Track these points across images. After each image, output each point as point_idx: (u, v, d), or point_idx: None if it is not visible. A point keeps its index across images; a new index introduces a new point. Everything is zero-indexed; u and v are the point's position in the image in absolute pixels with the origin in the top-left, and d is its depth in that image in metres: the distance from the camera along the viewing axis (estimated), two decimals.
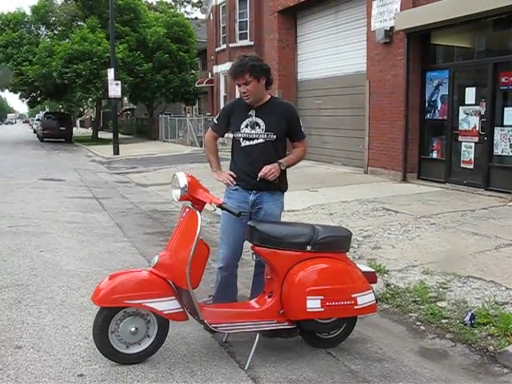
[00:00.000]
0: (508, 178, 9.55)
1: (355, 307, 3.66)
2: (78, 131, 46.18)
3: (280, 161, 3.99)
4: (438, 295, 4.96)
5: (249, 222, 3.79)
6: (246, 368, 3.52)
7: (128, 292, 3.34)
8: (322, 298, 3.54)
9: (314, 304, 3.53)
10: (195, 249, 3.39)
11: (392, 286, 5.24)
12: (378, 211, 8.71)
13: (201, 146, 23.94)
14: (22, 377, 3.34)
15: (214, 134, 4.27)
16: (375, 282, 4.05)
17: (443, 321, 4.42)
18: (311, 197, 10.09)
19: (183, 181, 3.45)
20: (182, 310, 3.50)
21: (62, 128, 34.47)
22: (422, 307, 4.76)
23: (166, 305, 3.42)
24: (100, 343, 3.42)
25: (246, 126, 4.01)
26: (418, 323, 4.48)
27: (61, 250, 6.48)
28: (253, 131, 3.99)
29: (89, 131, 44.09)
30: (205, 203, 3.53)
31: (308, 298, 3.52)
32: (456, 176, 10.82)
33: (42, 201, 10.19)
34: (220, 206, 3.48)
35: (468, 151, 10.45)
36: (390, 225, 7.72)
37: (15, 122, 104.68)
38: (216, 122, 4.23)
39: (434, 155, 11.58)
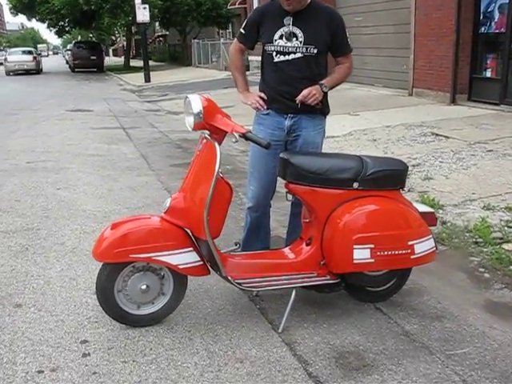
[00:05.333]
0: None
1: (412, 257, 3.00)
2: (110, 60, 45.45)
3: (322, 81, 3.26)
4: (503, 236, 4.26)
5: (281, 155, 3.10)
6: (279, 330, 2.94)
7: (135, 244, 2.74)
8: (372, 246, 2.88)
9: (362, 254, 2.88)
10: (214, 189, 2.74)
11: (448, 224, 4.56)
12: (426, 136, 7.91)
13: None
14: (17, 343, 2.83)
15: (240, 46, 3.51)
16: (435, 225, 3.37)
17: None
18: (352, 121, 9.29)
19: (197, 105, 2.75)
20: (201, 262, 2.90)
21: (92, 57, 33.74)
22: (485, 250, 4.08)
23: (182, 258, 2.82)
24: (105, 304, 2.87)
25: (281, 37, 3.25)
26: (482, 270, 3.81)
27: (79, 186, 5.96)
28: (289, 44, 3.23)
29: (121, 60, 43.19)
30: (225, 132, 2.84)
31: (355, 246, 2.87)
32: None
33: (66, 133, 9.68)
34: (244, 136, 2.77)
35: None
36: (441, 152, 6.95)
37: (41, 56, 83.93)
38: (243, 31, 3.47)
39: (488, 74, 10.46)
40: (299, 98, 3.21)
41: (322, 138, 3.49)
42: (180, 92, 17.59)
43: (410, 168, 6.08)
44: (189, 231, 2.90)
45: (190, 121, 2.81)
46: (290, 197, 3.11)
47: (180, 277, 2.92)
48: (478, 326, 3.05)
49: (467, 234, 4.37)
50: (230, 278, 2.83)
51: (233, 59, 3.57)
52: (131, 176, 6.50)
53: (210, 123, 2.77)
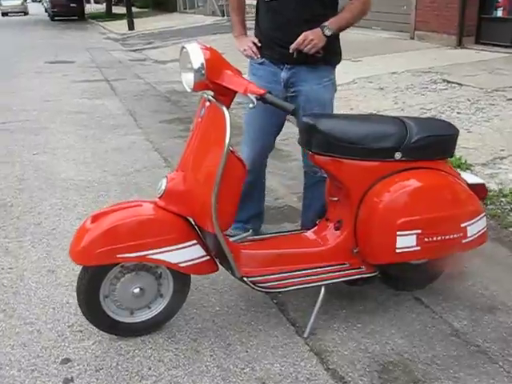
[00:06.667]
0: None
1: (464, 241, 2.44)
2: (91, 7, 43.49)
3: (325, 23, 2.59)
4: None
5: (304, 119, 2.46)
6: (305, 335, 2.41)
7: (122, 241, 2.14)
8: (418, 232, 2.32)
9: (406, 242, 2.32)
10: (224, 166, 2.14)
11: None
12: (437, 84, 7.26)
13: (223, 16, 22.10)
14: None
15: None
16: (485, 198, 2.82)
17: None
18: (355, 68, 8.58)
19: (198, 58, 2.08)
20: (208, 257, 2.32)
21: (72, 4, 32.16)
22: None
23: (184, 253, 2.24)
24: (89, 313, 2.30)
25: None
26: None
27: (59, 150, 5.30)
28: None
29: (103, 7, 41.24)
30: (235, 93, 2.21)
31: (399, 233, 2.30)
32: None
33: (45, 87, 8.90)
34: (262, 99, 2.14)
35: None
36: (456, 101, 6.33)
37: None
38: None
39: (499, 13, 9.72)
40: (293, 45, 2.58)
41: (331, 94, 2.86)
42: (166, 39, 16.71)
43: None
44: (191, 220, 2.31)
45: (188, 79, 2.16)
46: (317, 170, 2.51)
47: (181, 275, 2.35)
48: None
49: (503, 200, 3.84)
50: (245, 279, 2.27)
51: None
52: (117, 135, 5.86)
53: (216, 81, 2.12)
